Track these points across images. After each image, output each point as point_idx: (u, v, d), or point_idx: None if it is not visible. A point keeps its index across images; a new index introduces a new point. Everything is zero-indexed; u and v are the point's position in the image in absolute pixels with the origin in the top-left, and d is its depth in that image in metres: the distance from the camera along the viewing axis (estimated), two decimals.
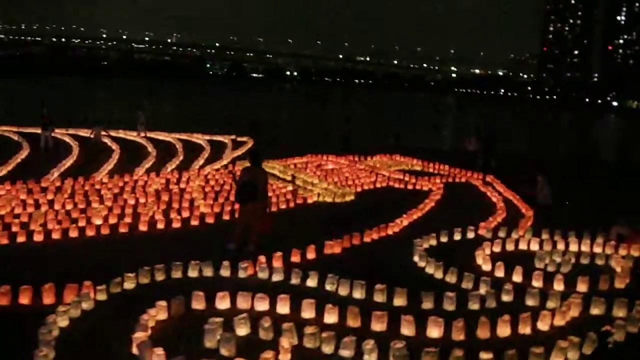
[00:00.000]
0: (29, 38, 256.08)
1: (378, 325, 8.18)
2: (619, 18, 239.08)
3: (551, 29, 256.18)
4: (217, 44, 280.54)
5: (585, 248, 13.07)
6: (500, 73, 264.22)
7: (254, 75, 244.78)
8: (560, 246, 13.19)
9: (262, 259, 10.68)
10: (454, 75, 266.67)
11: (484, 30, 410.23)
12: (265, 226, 12.31)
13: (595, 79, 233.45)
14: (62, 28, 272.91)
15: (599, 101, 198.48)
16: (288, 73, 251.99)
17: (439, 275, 10.87)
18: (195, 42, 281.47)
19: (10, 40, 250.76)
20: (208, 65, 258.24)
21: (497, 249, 12.82)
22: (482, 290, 9.87)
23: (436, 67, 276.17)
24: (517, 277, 10.89)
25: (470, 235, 13.89)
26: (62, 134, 28.37)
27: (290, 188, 18.59)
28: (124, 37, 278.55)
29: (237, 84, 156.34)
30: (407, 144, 32.09)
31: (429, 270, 11.12)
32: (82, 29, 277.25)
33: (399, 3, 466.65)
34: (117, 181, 17.76)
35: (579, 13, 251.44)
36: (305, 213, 16.19)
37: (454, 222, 14.29)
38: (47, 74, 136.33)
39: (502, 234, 13.93)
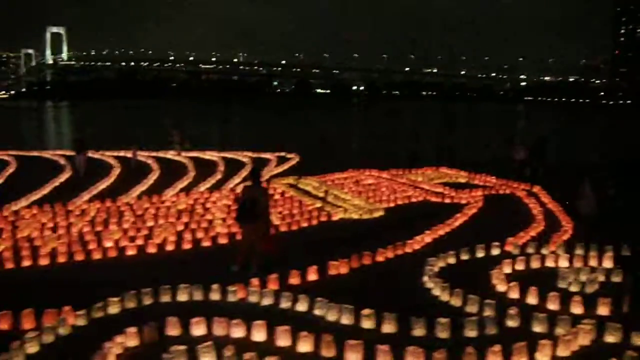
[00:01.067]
0: (99, 63, 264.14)
1: (352, 356, 7.54)
2: None
3: (623, 31, 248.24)
4: (283, 62, 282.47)
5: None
6: (572, 79, 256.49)
7: (321, 91, 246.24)
8: (593, 262, 12.19)
9: (255, 281, 10.19)
10: (523, 83, 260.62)
11: (553, 36, 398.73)
12: (268, 246, 11.85)
13: None
14: (131, 52, 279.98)
15: None
16: (355, 88, 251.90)
17: (445, 297, 10.10)
18: (261, 60, 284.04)
19: (81, 66, 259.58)
20: (275, 84, 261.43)
21: (520, 266, 11.94)
22: (486, 313, 9.09)
23: (505, 76, 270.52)
24: (532, 299, 10.02)
25: (495, 251, 13.02)
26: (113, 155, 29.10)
27: (318, 205, 18.09)
28: (191, 58, 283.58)
29: (305, 101, 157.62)
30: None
31: (436, 292, 10.36)
32: (150, 52, 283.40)
33: (465, 12, 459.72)
34: (144, 203, 17.58)
35: None
36: (325, 231, 15.59)
37: (485, 238, 13.48)
38: (117, 98, 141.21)
39: (530, 249, 13.02)
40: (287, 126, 65.44)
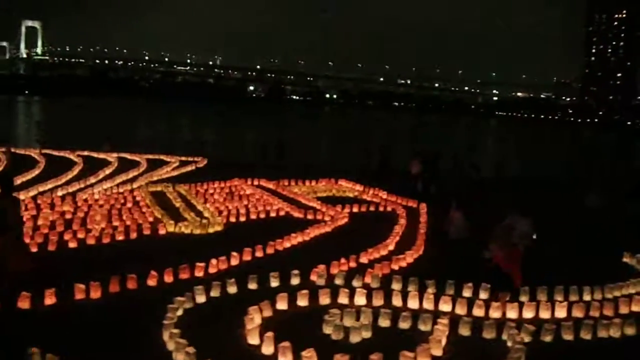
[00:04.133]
0: (73, 60, 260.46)
1: None
2: None
3: (594, 51, 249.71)
4: (258, 67, 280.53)
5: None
6: (544, 96, 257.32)
7: (295, 97, 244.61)
8: (397, 302, 10.21)
9: None
10: (495, 98, 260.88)
11: (526, 53, 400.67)
12: (19, 263, 9.87)
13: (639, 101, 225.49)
14: (106, 50, 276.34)
15: None
16: (328, 96, 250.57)
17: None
18: (237, 64, 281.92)
19: (55, 61, 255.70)
20: (252, 88, 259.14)
21: (303, 301, 9.94)
22: None
23: (477, 90, 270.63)
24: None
25: (295, 281, 11.05)
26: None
27: (158, 215, 16.19)
28: (166, 59, 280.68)
29: (277, 107, 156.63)
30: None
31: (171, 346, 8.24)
32: (124, 50, 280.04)
33: (441, 25, 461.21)
34: None
35: (622, 35, 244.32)
36: (131, 247, 13.55)
37: (310, 262, 11.82)
38: (88, 96, 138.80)
39: (338, 280, 11.09)
40: (239, 130, 63.44)
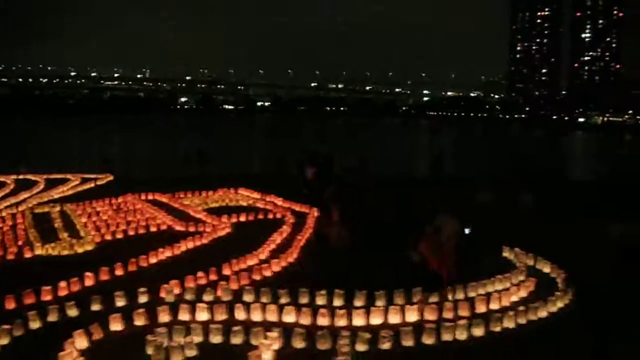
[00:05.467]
0: None
1: None
2: (583, 35, 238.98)
3: (519, 48, 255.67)
4: (187, 77, 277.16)
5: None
6: (473, 95, 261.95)
7: (227, 107, 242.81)
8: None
9: None
10: (426, 98, 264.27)
11: (456, 53, 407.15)
12: None
13: (563, 96, 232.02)
14: (29, 68, 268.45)
15: (566, 118, 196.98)
16: (260, 103, 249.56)
17: None
18: (166, 76, 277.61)
19: None
20: (184, 100, 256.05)
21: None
22: None
23: (408, 92, 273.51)
24: None
25: (143, 299, 10.43)
26: None
27: (31, 238, 15.37)
28: (93, 74, 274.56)
29: (207, 117, 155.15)
30: None
31: None
32: (49, 68, 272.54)
33: (369, 30, 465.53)
34: None
35: (545, 32, 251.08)
36: None
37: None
38: (12, 115, 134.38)
39: (188, 295, 10.52)
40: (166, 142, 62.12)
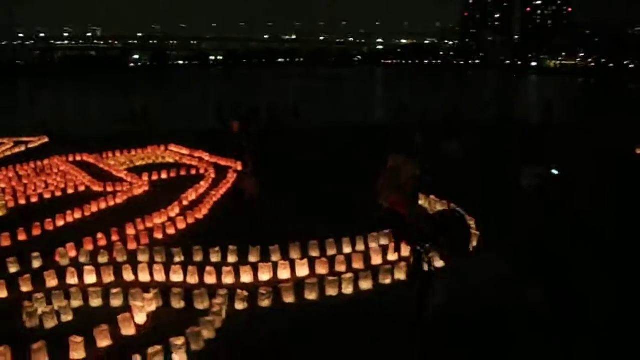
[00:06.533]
0: None
1: None
2: None
3: None
4: (139, 34, 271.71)
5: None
6: (427, 42, 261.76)
7: (180, 62, 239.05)
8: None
9: None
10: (380, 47, 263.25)
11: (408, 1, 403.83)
12: None
13: (517, 41, 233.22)
14: None
15: (519, 62, 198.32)
16: (213, 58, 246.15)
17: None
18: (117, 33, 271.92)
19: None
20: (137, 57, 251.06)
21: None
22: None
23: (362, 41, 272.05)
24: None
25: (36, 264, 10.22)
26: None
27: None
28: (42, 35, 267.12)
29: (160, 73, 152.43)
30: None
31: None
32: None
33: None
34: None
35: None
36: None
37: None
38: None
39: (83, 258, 10.34)
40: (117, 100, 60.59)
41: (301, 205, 13.78)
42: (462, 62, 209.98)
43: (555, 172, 11.42)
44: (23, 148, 25.89)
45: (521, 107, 46.47)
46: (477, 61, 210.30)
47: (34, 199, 15.80)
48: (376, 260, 9.88)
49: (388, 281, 9.08)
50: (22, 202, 15.54)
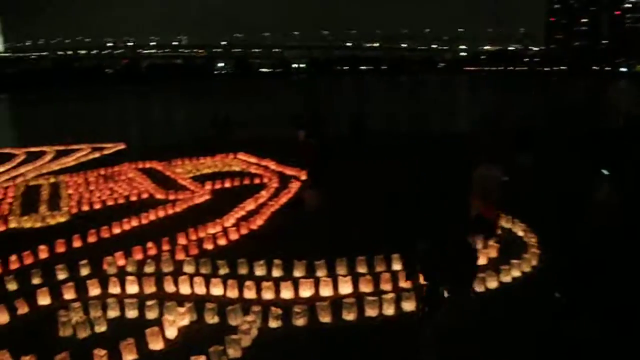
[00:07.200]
0: (36, 54, 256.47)
1: None
2: None
3: None
4: (223, 43, 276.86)
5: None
6: (512, 48, 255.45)
7: (263, 70, 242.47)
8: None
9: None
10: (463, 53, 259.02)
11: (492, 6, 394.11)
12: None
13: (605, 46, 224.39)
14: (68, 41, 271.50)
15: (608, 68, 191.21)
16: (295, 65, 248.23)
17: None
18: (202, 42, 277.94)
19: (17, 57, 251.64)
20: (222, 65, 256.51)
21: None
22: None
23: (445, 47, 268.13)
24: None
25: (85, 272, 10.26)
26: None
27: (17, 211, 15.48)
28: (130, 43, 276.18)
29: (244, 81, 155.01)
30: None
31: None
32: (87, 40, 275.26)
33: None
34: None
35: None
36: None
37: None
38: (52, 88, 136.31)
39: (130, 268, 10.31)
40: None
41: (364, 218, 13.29)
42: (547, 69, 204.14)
43: (605, 172, 10.85)
44: (97, 155, 26.59)
45: (605, 114, 44.40)
46: (563, 68, 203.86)
47: (97, 206, 16.06)
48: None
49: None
50: (85, 208, 15.80)
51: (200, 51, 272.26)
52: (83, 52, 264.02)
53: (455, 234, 5.95)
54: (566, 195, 13.94)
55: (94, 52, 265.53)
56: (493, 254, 10.24)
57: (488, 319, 7.40)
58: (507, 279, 9.16)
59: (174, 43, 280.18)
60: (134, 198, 16.85)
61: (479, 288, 8.64)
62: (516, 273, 9.37)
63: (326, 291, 8.82)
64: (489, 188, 10.87)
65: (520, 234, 11.50)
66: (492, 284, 8.94)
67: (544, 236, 10.88)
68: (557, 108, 52.53)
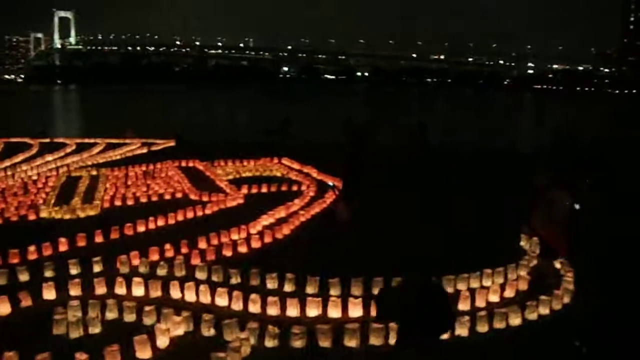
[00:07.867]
0: (106, 48, 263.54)
1: None
2: None
3: (632, 19, 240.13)
4: (289, 47, 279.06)
5: None
6: (581, 68, 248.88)
7: (328, 76, 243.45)
8: None
9: None
10: (530, 71, 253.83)
11: (563, 24, 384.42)
12: None
13: None
14: (137, 37, 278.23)
15: None
16: (359, 74, 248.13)
17: None
18: (268, 45, 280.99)
19: (88, 50, 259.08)
20: (286, 69, 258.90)
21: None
22: None
23: (512, 64, 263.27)
24: None
25: (97, 269, 10.10)
26: None
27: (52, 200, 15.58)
28: (197, 43, 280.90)
29: (309, 86, 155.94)
30: None
31: None
32: (156, 37, 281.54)
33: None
34: None
35: None
36: None
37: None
38: (119, 83, 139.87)
39: (142, 269, 10.10)
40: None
41: (397, 236, 12.50)
42: (617, 92, 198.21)
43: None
44: (145, 150, 26.75)
45: None
46: (635, 91, 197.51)
47: (130, 202, 15.99)
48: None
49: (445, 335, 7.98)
50: (118, 203, 15.74)
51: (266, 54, 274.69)
52: (152, 48, 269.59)
53: (424, 271, 5.35)
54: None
55: (162, 49, 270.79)
56: (523, 286, 9.60)
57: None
58: (532, 316, 8.51)
59: (240, 45, 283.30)
60: (167, 197, 16.74)
61: (499, 324, 8.06)
62: (545, 310, 8.70)
63: (334, 312, 8.35)
64: (557, 214, 10.09)
65: (557, 266, 10.78)
66: (515, 320, 8.31)
67: (582, 272, 10.04)
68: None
